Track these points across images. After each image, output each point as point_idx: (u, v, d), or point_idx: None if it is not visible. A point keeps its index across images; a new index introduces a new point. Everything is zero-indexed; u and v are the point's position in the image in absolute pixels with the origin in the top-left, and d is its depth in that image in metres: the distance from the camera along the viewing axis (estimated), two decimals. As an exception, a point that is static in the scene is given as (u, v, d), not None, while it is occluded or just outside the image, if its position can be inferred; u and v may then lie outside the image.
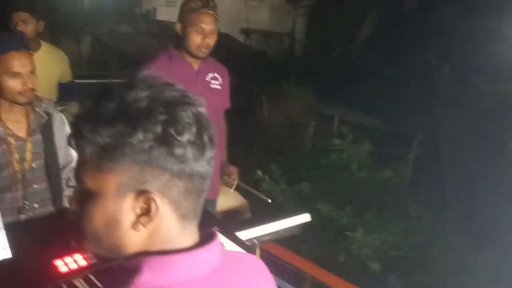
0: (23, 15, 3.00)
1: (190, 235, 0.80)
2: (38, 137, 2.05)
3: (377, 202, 4.15)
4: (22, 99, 1.94)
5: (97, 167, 0.75)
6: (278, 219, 1.71)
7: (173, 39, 2.55)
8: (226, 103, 2.76)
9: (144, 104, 0.73)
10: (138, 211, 0.75)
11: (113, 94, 0.75)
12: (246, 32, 26.00)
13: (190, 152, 0.75)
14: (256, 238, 1.59)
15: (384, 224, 3.80)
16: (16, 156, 1.98)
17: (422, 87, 9.61)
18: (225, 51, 2.50)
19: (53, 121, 2.10)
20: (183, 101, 0.77)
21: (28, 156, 2.02)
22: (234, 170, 2.68)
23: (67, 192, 2.10)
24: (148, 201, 0.74)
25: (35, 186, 2.04)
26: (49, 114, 2.09)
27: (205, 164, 0.78)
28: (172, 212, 0.77)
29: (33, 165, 2.03)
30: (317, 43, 21.28)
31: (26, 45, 1.90)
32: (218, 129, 2.67)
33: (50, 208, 2.09)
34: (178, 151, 0.73)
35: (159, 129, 0.72)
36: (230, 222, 2.31)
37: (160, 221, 0.76)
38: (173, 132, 0.73)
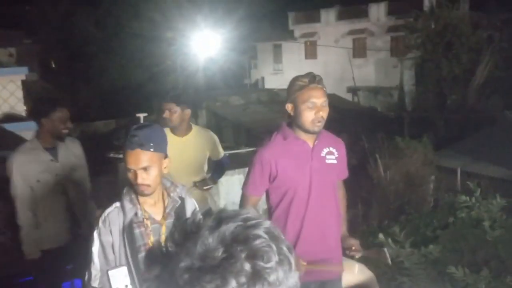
0: (169, 105, 3.36)
1: None
2: (172, 220, 2.12)
3: (518, 262, 3.72)
4: (140, 192, 2.03)
5: None
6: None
7: (285, 118, 2.57)
8: (343, 174, 2.71)
9: (221, 251, 0.72)
10: None
11: (187, 250, 0.74)
12: (353, 90, 26.04)
13: (281, 272, 0.73)
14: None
15: (529, 287, 3.38)
16: (152, 238, 2.06)
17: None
18: (333, 111, 2.47)
19: (186, 205, 2.17)
20: (249, 225, 0.76)
21: (163, 238, 2.08)
22: (355, 243, 2.56)
23: None
24: None
25: None
26: (182, 199, 2.16)
27: (294, 274, 0.76)
28: None
29: None
30: (429, 93, 20.64)
31: (140, 144, 1.98)
32: (335, 202, 2.61)
33: None
34: (272, 278, 0.72)
35: (247, 267, 0.70)
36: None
37: None
38: (261, 264, 0.71)
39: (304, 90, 2.38)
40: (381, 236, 3.83)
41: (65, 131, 3.20)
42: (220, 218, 0.77)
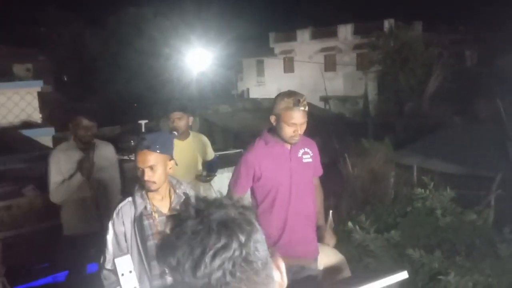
0: (178, 114, 3.35)
1: None
2: None
3: (465, 244, 3.77)
4: (147, 188, 2.05)
5: None
6: (377, 279, 1.57)
7: (268, 124, 2.56)
8: (318, 171, 2.72)
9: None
10: None
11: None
12: (325, 99, 26.17)
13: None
14: (357, 298, 1.47)
15: (474, 266, 3.42)
16: (159, 228, 2.06)
17: (493, 131, 8.93)
18: (308, 117, 2.46)
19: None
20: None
21: (169, 229, 2.07)
22: (328, 232, 2.58)
23: None
24: None
25: None
26: (186, 195, 2.17)
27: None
28: None
29: None
30: (389, 101, 20.92)
31: (147, 146, 2.00)
32: (312, 196, 2.61)
33: None
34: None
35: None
36: (332, 283, 2.18)
37: None
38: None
39: (288, 111, 2.35)
40: (349, 224, 3.84)
41: (87, 136, 3.16)
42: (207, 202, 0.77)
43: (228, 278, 0.68)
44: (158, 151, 2.00)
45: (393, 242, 3.76)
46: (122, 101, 20.00)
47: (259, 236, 0.73)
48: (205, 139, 3.68)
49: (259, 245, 0.73)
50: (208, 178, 3.56)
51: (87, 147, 3.20)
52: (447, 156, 7.71)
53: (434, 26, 23.32)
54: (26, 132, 6.81)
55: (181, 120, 3.33)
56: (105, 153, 3.33)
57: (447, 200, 4.02)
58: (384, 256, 3.59)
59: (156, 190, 2.05)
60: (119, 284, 1.94)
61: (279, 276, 0.77)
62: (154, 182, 2.02)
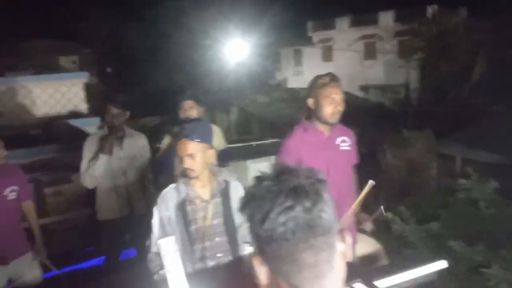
0: (190, 103, 3.36)
1: None
2: (218, 200, 2.17)
3: (509, 237, 3.63)
4: (187, 175, 2.12)
5: None
6: (415, 267, 1.56)
7: (305, 113, 2.57)
8: (354, 160, 2.71)
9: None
10: None
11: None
12: (364, 88, 25.69)
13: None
14: (395, 286, 1.46)
15: (520, 259, 3.30)
16: (201, 214, 2.12)
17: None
18: (346, 106, 2.48)
19: (230, 187, 2.22)
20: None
21: (210, 214, 2.14)
22: (367, 217, 2.56)
23: (244, 246, 2.17)
24: None
25: (217, 239, 2.14)
26: (227, 182, 2.22)
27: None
28: None
29: (214, 222, 2.15)
30: (431, 89, 20.23)
31: (187, 135, 2.07)
32: (350, 183, 2.61)
33: (230, 258, 2.16)
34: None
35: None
36: (370, 270, 2.17)
37: None
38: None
39: (325, 88, 2.40)
40: (389, 214, 3.79)
41: (115, 123, 3.27)
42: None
43: (288, 235, 0.78)
44: (197, 140, 2.06)
45: (433, 233, 3.68)
46: (162, 92, 20.40)
47: (324, 206, 0.83)
48: (217, 129, 3.70)
49: (323, 214, 0.82)
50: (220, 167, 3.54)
51: (119, 135, 3.31)
52: (491, 146, 7.41)
53: (480, 11, 22.32)
54: (73, 122, 7.09)
55: (192, 109, 3.34)
56: (136, 142, 3.44)
57: (490, 191, 3.89)
58: (423, 247, 3.53)
59: (196, 177, 2.12)
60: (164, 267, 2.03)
61: (342, 247, 0.85)
62: (194, 170, 2.08)
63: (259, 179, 0.86)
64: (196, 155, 2.07)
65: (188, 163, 2.07)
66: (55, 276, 3.15)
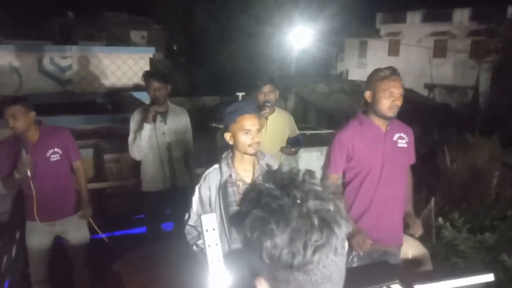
0: (270, 87, 3.40)
1: None
2: None
3: None
4: (250, 151, 2.11)
5: None
6: (460, 276, 1.47)
7: (362, 106, 2.50)
8: (411, 159, 2.60)
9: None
10: None
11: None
12: (430, 87, 24.54)
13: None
14: (436, 293, 1.39)
15: None
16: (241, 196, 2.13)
17: None
18: (409, 104, 2.38)
19: None
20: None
21: None
22: (417, 222, 2.46)
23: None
24: None
25: None
26: (269, 166, 2.21)
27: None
28: None
29: None
30: (503, 94, 18.94)
31: (255, 110, 2.12)
32: (404, 181, 2.52)
33: None
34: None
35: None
36: (411, 273, 2.09)
37: None
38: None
39: (385, 81, 2.32)
40: (440, 219, 3.64)
41: (156, 96, 3.38)
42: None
43: (316, 271, 0.73)
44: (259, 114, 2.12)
45: (487, 245, 3.49)
46: (224, 74, 20.66)
47: (347, 227, 0.75)
48: (290, 115, 3.69)
49: (344, 244, 0.76)
50: (293, 151, 3.56)
51: (162, 110, 3.42)
52: None
53: None
54: (137, 95, 7.37)
55: (271, 93, 3.39)
56: (179, 117, 3.53)
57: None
58: (474, 258, 3.36)
59: (256, 153, 2.13)
60: (200, 239, 2.09)
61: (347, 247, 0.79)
62: (259, 144, 2.11)
63: (257, 189, 0.79)
64: (261, 130, 2.12)
65: (258, 137, 2.08)
66: (102, 239, 3.30)
